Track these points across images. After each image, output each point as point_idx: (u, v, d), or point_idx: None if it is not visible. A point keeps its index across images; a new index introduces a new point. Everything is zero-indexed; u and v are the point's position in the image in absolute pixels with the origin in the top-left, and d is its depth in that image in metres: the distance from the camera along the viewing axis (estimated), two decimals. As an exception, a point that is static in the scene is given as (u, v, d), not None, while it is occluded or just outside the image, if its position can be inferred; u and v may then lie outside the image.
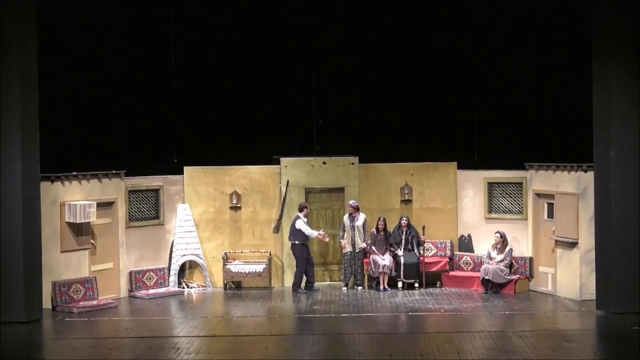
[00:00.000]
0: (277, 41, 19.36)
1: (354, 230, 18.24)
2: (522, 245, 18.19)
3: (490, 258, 17.83)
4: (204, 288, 18.70)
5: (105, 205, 17.67)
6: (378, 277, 18.16)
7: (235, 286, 18.76)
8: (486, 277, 17.72)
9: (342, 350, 13.52)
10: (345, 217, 18.41)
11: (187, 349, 13.75)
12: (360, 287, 18.29)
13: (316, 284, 18.44)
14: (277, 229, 18.86)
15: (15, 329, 15.13)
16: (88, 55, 18.20)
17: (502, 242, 17.85)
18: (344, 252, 18.40)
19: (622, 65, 15.49)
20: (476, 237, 18.82)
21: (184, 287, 18.62)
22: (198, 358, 13.29)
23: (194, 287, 18.70)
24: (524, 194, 18.28)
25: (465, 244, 18.92)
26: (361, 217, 18.32)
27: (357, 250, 18.29)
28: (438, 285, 18.41)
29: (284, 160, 18.95)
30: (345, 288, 18.33)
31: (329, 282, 18.89)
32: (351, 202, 18.38)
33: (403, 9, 19.24)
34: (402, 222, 18.38)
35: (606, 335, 14.69)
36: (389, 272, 18.10)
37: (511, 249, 17.84)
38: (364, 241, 18.24)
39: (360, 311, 16.38)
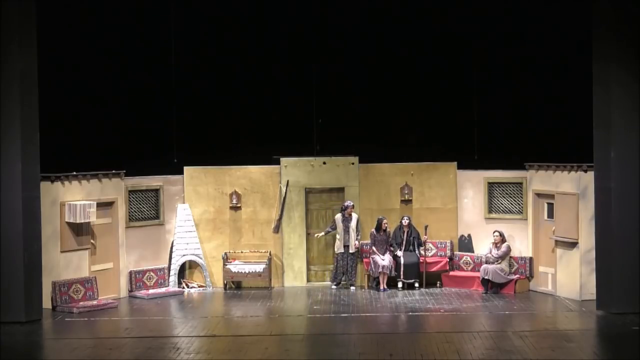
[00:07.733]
0: (277, 41, 19.36)
1: (348, 231, 18.27)
2: (522, 245, 18.19)
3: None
4: (204, 288, 18.69)
5: (105, 205, 17.67)
6: (378, 277, 18.16)
7: (235, 286, 18.76)
8: (486, 277, 17.72)
9: (342, 350, 13.52)
10: (338, 217, 18.41)
11: (187, 349, 13.75)
12: (353, 287, 18.28)
13: (317, 283, 18.73)
14: (277, 229, 18.85)
15: (15, 329, 15.13)
16: (87, 55, 18.19)
17: (502, 241, 17.86)
18: (336, 251, 18.43)
19: (622, 65, 15.49)
20: (476, 237, 18.81)
21: (184, 287, 18.62)
22: (198, 358, 13.29)
23: (194, 287, 18.70)
24: (524, 194, 18.27)
25: (465, 244, 18.91)
26: (354, 218, 18.33)
27: (351, 251, 18.32)
28: (438, 285, 18.40)
29: (284, 160, 18.95)
30: (334, 287, 18.37)
31: (329, 282, 18.89)
32: (348, 202, 18.45)
33: (403, 9, 19.23)
34: (403, 222, 18.38)
35: (606, 335, 14.68)
36: (388, 272, 18.09)
37: (508, 245, 17.81)
38: (357, 239, 18.30)
39: (360, 311, 16.38)
